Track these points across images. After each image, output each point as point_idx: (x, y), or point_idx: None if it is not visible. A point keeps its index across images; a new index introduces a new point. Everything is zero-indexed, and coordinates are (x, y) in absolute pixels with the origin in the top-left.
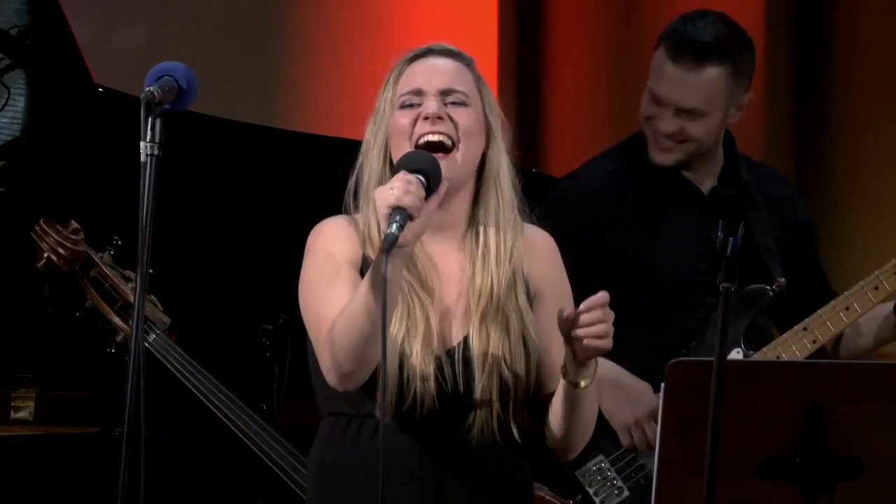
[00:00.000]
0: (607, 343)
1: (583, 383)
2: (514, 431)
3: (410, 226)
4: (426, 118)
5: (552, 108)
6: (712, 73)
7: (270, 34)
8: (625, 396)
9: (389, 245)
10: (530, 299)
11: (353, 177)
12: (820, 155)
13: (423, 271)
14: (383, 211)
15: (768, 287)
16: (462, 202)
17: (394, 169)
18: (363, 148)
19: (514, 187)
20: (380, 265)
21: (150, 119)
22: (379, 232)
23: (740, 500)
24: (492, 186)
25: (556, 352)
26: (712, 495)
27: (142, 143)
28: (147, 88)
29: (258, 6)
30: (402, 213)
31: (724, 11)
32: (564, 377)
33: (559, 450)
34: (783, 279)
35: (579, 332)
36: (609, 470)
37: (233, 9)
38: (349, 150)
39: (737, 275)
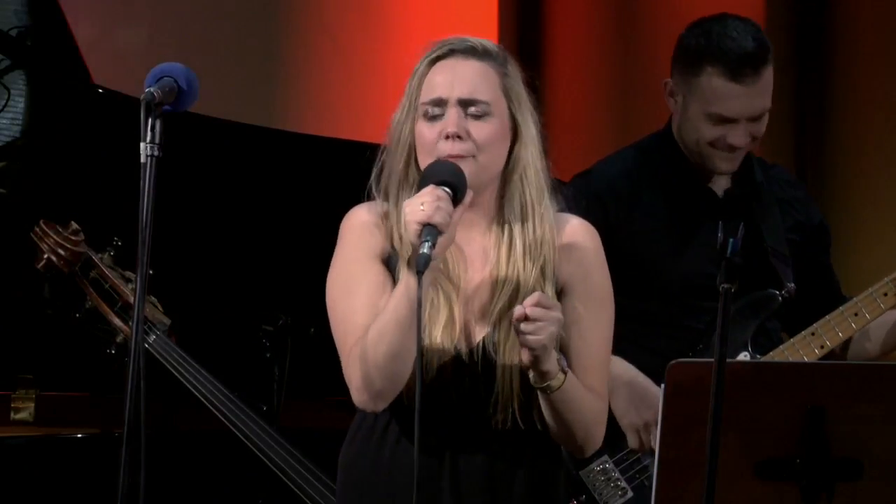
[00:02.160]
0: (535, 339)
1: (551, 384)
2: (538, 421)
3: (440, 240)
4: (447, 136)
5: (552, 108)
6: (767, 73)
7: (270, 34)
8: (637, 398)
9: (423, 266)
10: (557, 293)
11: (377, 167)
12: (821, 157)
13: (450, 265)
14: (413, 227)
15: (777, 292)
16: (489, 198)
17: (421, 180)
18: (388, 138)
19: (545, 179)
20: (409, 281)
21: (150, 120)
22: (399, 231)
23: (740, 502)
24: (517, 182)
25: (575, 348)
26: (712, 496)
27: (142, 144)
28: (147, 89)
29: (258, 7)
30: (432, 231)
31: (724, 9)
32: (532, 384)
33: (567, 448)
34: (792, 284)
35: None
36: (613, 471)
37: (233, 9)
38: (349, 150)
39: (738, 276)
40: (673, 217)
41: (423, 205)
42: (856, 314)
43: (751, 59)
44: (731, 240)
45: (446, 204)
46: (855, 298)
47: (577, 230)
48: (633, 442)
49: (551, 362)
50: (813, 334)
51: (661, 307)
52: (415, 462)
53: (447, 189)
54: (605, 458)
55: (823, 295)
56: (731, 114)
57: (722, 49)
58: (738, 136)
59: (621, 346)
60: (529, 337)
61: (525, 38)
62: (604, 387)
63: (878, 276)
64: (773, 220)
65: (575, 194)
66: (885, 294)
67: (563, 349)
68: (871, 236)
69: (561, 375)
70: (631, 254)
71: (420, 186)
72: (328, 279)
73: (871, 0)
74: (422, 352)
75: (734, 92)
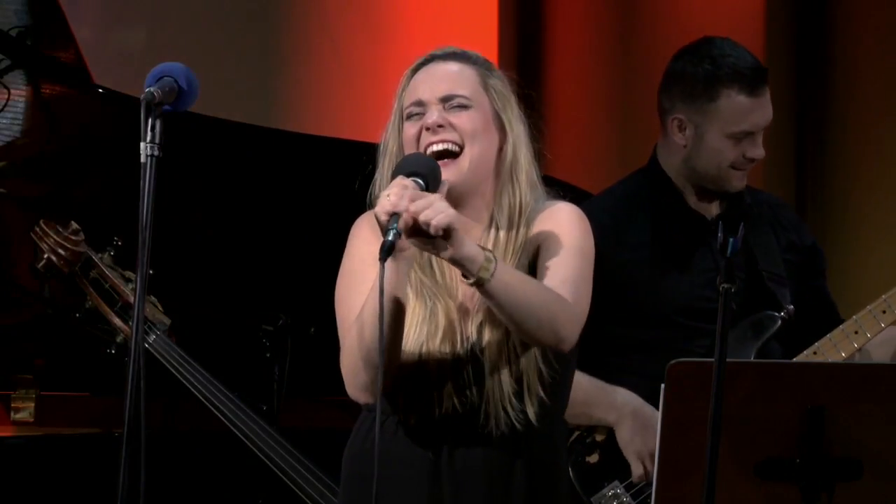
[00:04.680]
0: (427, 215)
1: (482, 275)
2: (532, 418)
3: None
4: (428, 129)
5: (552, 110)
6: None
7: (270, 34)
8: (642, 426)
9: (385, 254)
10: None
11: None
12: (821, 158)
13: (446, 274)
14: (382, 218)
15: (777, 314)
16: (483, 200)
17: (392, 174)
18: (378, 154)
19: (532, 180)
20: (388, 273)
21: (150, 120)
22: None
23: (740, 501)
24: (508, 182)
25: (538, 267)
26: (712, 496)
27: (142, 144)
28: (147, 89)
29: (258, 6)
30: (398, 220)
31: (724, 14)
32: (469, 284)
33: (541, 343)
34: (791, 306)
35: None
36: (624, 495)
37: (232, 9)
38: (349, 150)
39: (737, 277)
40: (664, 244)
41: (389, 195)
42: (856, 332)
43: (761, 72)
44: (731, 239)
45: (413, 193)
46: (854, 317)
47: (561, 207)
48: (636, 469)
49: (469, 246)
50: (815, 353)
51: (660, 332)
52: (374, 456)
53: (418, 180)
54: (616, 482)
55: (821, 319)
56: (754, 127)
57: (734, 69)
58: (757, 148)
59: (624, 378)
60: (424, 219)
61: (525, 41)
62: (571, 292)
63: (879, 278)
64: (767, 242)
65: None
66: (884, 311)
67: None
68: (873, 238)
69: (488, 260)
70: (626, 281)
71: (392, 179)
72: (337, 282)
73: (871, 1)
74: (399, 342)
75: (754, 105)
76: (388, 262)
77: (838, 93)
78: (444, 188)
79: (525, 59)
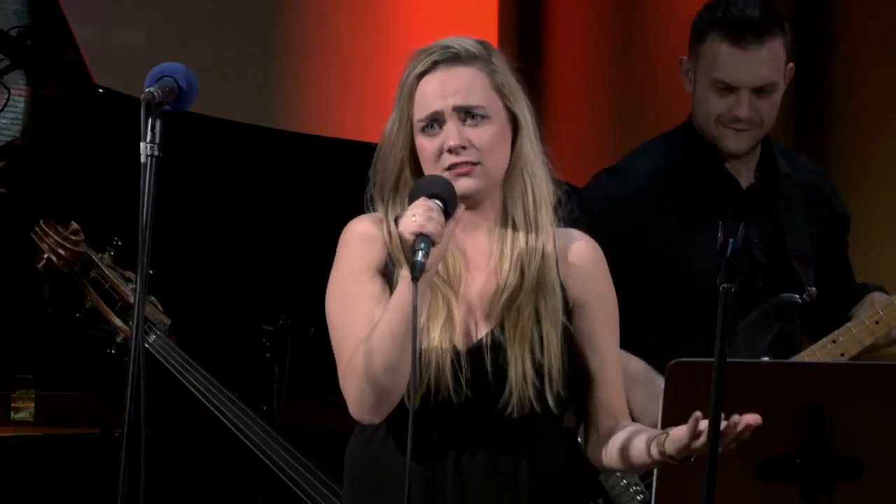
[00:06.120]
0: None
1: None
2: (551, 402)
3: (433, 251)
4: (450, 150)
5: (552, 108)
6: (774, 44)
7: (270, 34)
8: (656, 395)
9: (418, 274)
10: (569, 307)
11: (371, 175)
12: (821, 153)
13: (450, 266)
14: (407, 238)
15: (797, 296)
16: (493, 197)
17: (411, 195)
18: (380, 149)
19: (546, 176)
20: (402, 292)
21: (150, 120)
22: (394, 239)
23: (740, 502)
24: (519, 177)
25: (590, 365)
26: (712, 496)
27: (142, 144)
28: (147, 89)
29: (258, 6)
30: (426, 240)
31: None
32: (662, 454)
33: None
34: (813, 288)
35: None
36: (631, 475)
37: (233, 9)
38: (349, 150)
39: (738, 276)
40: (699, 212)
41: (415, 216)
42: (877, 323)
43: (753, 25)
44: (731, 240)
45: (437, 214)
46: (877, 306)
47: (583, 248)
48: None
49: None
50: (834, 342)
51: (683, 308)
52: (406, 467)
53: (438, 203)
54: None
55: (838, 294)
56: (731, 79)
57: (725, 15)
58: (741, 108)
59: (643, 349)
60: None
61: (525, 39)
62: (622, 398)
63: (880, 279)
64: (797, 218)
65: (604, 194)
66: None
67: (577, 366)
68: (873, 239)
69: None
70: (660, 252)
71: (411, 200)
72: (327, 292)
73: (871, 1)
74: (418, 361)
75: (735, 56)
76: (405, 285)
77: (838, 93)
78: (460, 210)
79: (525, 60)
